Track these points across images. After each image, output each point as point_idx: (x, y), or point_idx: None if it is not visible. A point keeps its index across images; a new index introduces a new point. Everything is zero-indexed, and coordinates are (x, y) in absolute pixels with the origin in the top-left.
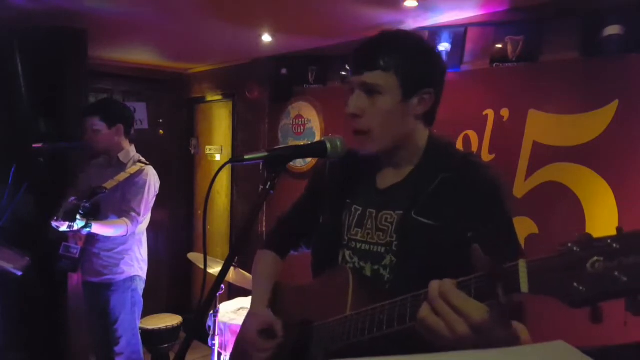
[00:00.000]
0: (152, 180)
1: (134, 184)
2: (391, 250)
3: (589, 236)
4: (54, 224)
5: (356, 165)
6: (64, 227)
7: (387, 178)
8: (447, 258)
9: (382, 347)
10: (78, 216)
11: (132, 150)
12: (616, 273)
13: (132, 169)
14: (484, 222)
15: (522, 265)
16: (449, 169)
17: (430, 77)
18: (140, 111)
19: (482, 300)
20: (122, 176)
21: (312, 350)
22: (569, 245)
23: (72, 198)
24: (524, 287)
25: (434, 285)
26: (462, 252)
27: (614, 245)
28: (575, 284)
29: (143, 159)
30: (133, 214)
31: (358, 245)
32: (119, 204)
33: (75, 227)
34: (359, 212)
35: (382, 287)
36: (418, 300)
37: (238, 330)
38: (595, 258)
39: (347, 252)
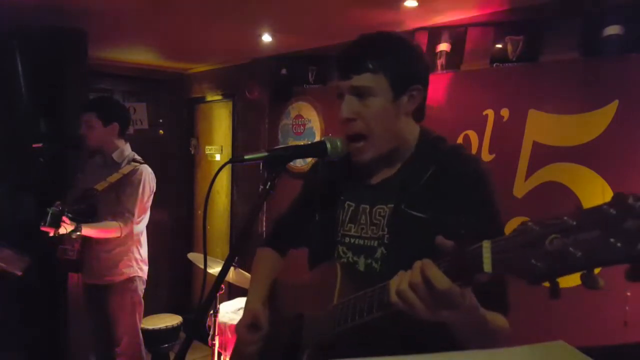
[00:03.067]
0: (147, 179)
1: (129, 184)
2: (383, 243)
3: (549, 216)
4: (42, 229)
5: (349, 163)
6: (51, 232)
7: (379, 173)
8: (436, 250)
9: (370, 335)
10: (66, 220)
11: (126, 149)
12: (571, 249)
13: (125, 169)
14: (472, 213)
15: (485, 245)
16: (439, 163)
17: (417, 74)
18: (140, 111)
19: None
20: (114, 177)
21: (302, 342)
22: (529, 224)
23: (57, 202)
24: (487, 266)
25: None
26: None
27: (571, 222)
28: (532, 261)
29: (138, 158)
30: (127, 214)
31: (352, 240)
32: (114, 205)
33: (63, 231)
34: (352, 208)
35: (372, 279)
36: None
37: None
38: (553, 235)
39: (342, 248)
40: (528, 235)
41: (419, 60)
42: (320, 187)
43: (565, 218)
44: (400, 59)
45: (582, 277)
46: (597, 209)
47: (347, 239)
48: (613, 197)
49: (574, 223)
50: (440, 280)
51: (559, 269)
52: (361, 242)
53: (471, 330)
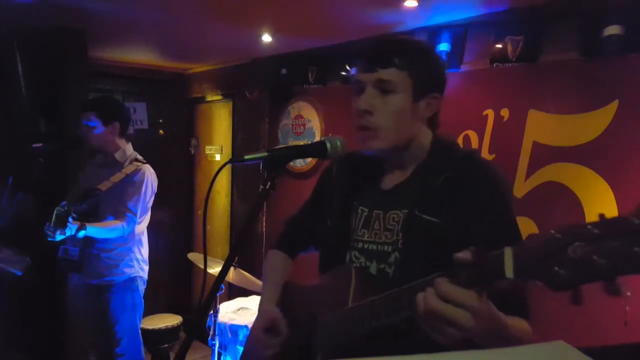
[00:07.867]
0: (149, 179)
1: (131, 183)
2: (397, 248)
3: (571, 224)
4: (47, 231)
5: (362, 167)
6: (57, 233)
7: (392, 178)
8: (449, 255)
9: (384, 338)
10: (71, 220)
11: (128, 149)
12: (595, 257)
13: (128, 169)
14: (486, 219)
15: (507, 252)
16: (452, 168)
17: (438, 81)
18: (140, 111)
19: (471, 288)
20: (117, 177)
21: (316, 345)
22: (552, 231)
23: (63, 203)
24: (509, 272)
25: (420, 298)
26: (464, 249)
27: (595, 230)
28: (555, 268)
29: (140, 158)
30: (129, 214)
31: (365, 246)
32: (116, 205)
33: (69, 232)
34: (365, 214)
35: (385, 283)
36: (414, 290)
37: (238, 330)
38: (577, 243)
39: (354, 253)
40: (550, 242)
41: (442, 69)
42: (332, 191)
43: (589, 226)
44: (424, 62)
45: (604, 285)
46: (621, 219)
47: (359, 244)
48: (637, 207)
49: (597, 231)
50: (458, 295)
51: (582, 276)
52: (374, 247)
53: (491, 336)
